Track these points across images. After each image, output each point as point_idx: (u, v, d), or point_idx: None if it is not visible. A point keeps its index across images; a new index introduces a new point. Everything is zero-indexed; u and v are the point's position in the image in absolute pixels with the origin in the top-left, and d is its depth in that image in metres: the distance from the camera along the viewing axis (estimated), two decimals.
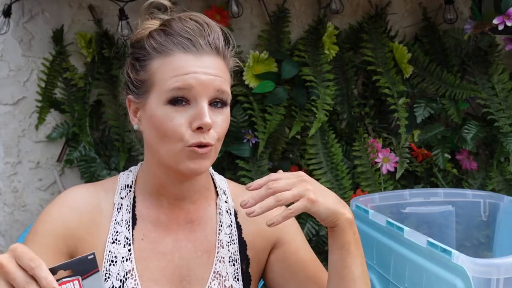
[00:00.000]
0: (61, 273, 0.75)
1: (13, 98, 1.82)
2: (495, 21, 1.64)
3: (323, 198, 0.95)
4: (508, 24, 1.62)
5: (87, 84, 1.78)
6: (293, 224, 1.11)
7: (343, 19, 1.89)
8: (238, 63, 1.05)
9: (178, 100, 0.93)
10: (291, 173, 0.97)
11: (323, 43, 1.77)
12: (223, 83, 0.96)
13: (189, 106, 0.94)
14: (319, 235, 1.78)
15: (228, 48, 1.00)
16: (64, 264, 0.75)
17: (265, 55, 1.77)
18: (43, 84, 1.80)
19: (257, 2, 1.85)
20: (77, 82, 1.79)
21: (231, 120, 1.77)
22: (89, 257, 0.77)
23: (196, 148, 0.93)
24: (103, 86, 1.78)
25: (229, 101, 0.98)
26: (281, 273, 1.07)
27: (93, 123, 1.81)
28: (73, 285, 0.76)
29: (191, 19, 0.98)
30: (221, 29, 1.00)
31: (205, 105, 0.93)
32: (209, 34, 0.96)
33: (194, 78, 0.93)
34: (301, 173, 0.98)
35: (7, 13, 1.71)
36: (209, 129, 0.93)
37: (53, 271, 0.74)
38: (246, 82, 1.76)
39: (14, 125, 1.83)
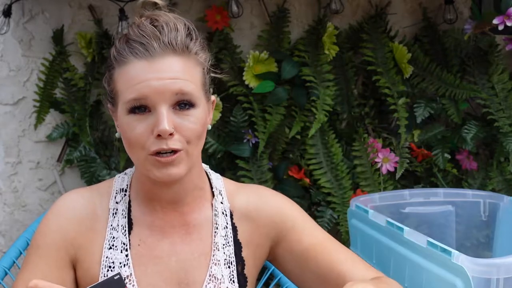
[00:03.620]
0: None
1: (13, 98, 1.82)
2: (495, 21, 1.64)
3: None
4: (508, 24, 1.62)
5: (87, 84, 1.78)
6: (290, 210, 1.07)
7: (343, 19, 1.89)
8: (208, 56, 1.00)
9: (138, 109, 0.92)
10: None
11: (323, 43, 1.77)
12: (185, 84, 0.92)
13: (150, 113, 0.92)
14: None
15: (191, 42, 0.95)
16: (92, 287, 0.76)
17: (265, 55, 1.77)
18: (41, 84, 1.80)
19: (257, 2, 1.85)
20: (77, 82, 1.79)
21: (231, 120, 1.79)
22: (116, 277, 0.78)
23: (158, 158, 0.92)
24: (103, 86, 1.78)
25: (198, 101, 0.94)
26: (294, 264, 1.05)
27: (93, 123, 1.81)
28: None
29: (152, 19, 0.95)
30: (186, 25, 0.96)
31: (163, 111, 0.90)
32: (165, 35, 0.92)
33: (147, 87, 0.90)
34: None
35: (7, 13, 1.71)
36: (171, 134, 0.91)
37: None
38: (246, 82, 1.76)
39: (14, 125, 1.83)
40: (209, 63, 1.01)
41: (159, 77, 0.91)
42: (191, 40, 0.96)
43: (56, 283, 0.87)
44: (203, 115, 0.96)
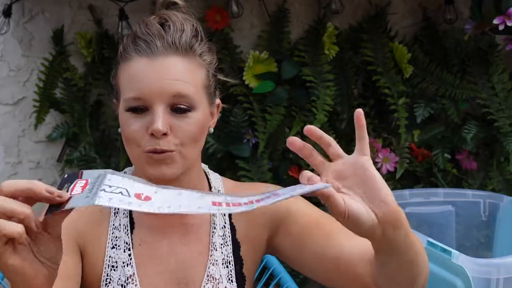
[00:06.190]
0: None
1: (13, 98, 1.82)
2: (495, 21, 1.64)
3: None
4: (509, 24, 1.62)
5: (87, 84, 1.78)
6: None
7: (343, 19, 1.89)
8: (214, 57, 0.99)
9: (136, 108, 0.92)
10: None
11: (323, 43, 1.77)
12: (184, 86, 0.92)
13: (147, 111, 0.92)
14: None
15: (197, 43, 0.95)
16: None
17: (265, 55, 1.77)
18: (41, 84, 1.80)
19: (257, 2, 1.85)
20: (77, 82, 1.79)
21: (231, 120, 1.79)
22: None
23: (151, 154, 0.91)
24: (103, 86, 1.78)
25: (197, 104, 0.93)
26: (292, 247, 1.03)
27: (93, 123, 1.81)
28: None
29: (161, 18, 0.95)
30: (194, 26, 0.96)
31: (159, 111, 0.90)
32: (170, 34, 0.92)
33: (146, 87, 0.91)
34: None
35: (7, 13, 1.71)
36: (165, 134, 0.90)
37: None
38: (246, 82, 1.76)
39: (14, 125, 1.83)
40: (215, 66, 1.00)
41: (158, 77, 0.91)
42: (196, 41, 0.95)
43: (71, 268, 0.93)
44: (202, 118, 0.95)
